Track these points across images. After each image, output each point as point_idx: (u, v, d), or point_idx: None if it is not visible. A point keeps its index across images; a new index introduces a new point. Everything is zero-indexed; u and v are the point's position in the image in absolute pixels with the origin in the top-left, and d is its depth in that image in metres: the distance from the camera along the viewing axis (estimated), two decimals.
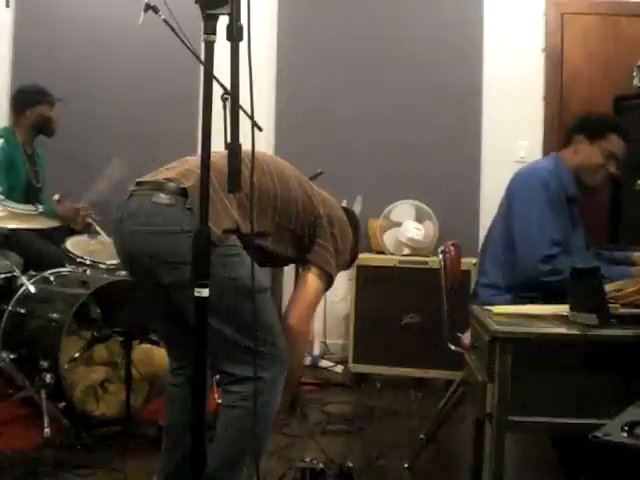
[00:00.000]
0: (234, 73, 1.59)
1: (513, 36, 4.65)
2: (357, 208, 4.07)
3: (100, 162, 4.05)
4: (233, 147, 1.59)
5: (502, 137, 4.62)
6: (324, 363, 4.60)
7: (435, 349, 3.43)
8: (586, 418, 1.82)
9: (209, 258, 1.61)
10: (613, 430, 1.34)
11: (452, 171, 4.70)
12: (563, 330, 1.94)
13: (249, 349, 1.94)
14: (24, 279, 3.22)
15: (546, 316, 2.10)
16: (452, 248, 3.06)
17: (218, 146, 1.68)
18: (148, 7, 2.68)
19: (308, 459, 2.40)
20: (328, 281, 2.20)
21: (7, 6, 4.80)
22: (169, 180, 2.02)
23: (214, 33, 1.60)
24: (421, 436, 2.95)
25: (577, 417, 1.86)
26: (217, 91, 1.71)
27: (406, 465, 2.84)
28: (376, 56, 4.85)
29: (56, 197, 4.06)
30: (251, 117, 1.80)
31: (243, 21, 1.61)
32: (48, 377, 2.92)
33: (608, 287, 2.07)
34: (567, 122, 4.40)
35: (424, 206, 4.51)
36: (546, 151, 4.52)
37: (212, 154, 1.64)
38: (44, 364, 2.95)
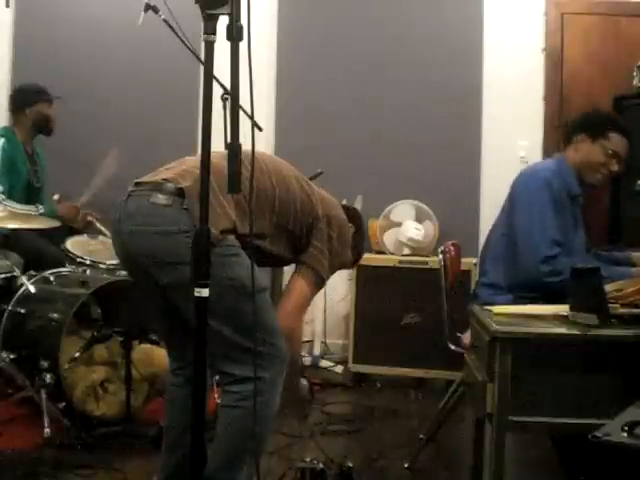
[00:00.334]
0: (234, 73, 1.59)
1: (513, 36, 4.64)
2: (357, 208, 4.06)
3: (98, 164, 4.04)
4: (233, 147, 1.60)
5: (502, 137, 4.62)
6: (324, 363, 4.60)
7: (435, 349, 3.45)
8: (586, 418, 1.82)
9: (209, 258, 1.61)
10: (613, 430, 1.34)
11: (452, 171, 4.70)
12: (563, 330, 1.94)
13: (248, 349, 1.94)
14: (24, 279, 3.22)
15: (546, 316, 2.10)
16: (452, 248, 3.06)
17: (218, 146, 1.68)
18: (148, 7, 2.68)
19: (308, 459, 2.40)
20: (318, 282, 2.19)
21: (7, 6, 4.81)
22: (167, 181, 2.02)
23: (214, 33, 1.60)
24: (421, 436, 2.95)
25: (577, 417, 1.86)
26: (217, 91, 1.71)
27: (406, 465, 2.84)
28: (376, 56, 4.85)
29: (56, 197, 4.07)
30: (251, 117, 1.80)
31: (243, 21, 1.61)
32: (48, 377, 2.92)
33: (608, 287, 2.07)
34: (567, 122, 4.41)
35: (424, 206, 4.50)
36: (546, 151, 4.52)
37: (211, 154, 1.64)
38: (44, 364, 2.95)
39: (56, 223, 3.40)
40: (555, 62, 4.64)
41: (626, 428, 1.33)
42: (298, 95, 4.91)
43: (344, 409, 3.77)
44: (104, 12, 4.98)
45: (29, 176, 3.90)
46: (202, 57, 1.76)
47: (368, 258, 4.30)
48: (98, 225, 3.86)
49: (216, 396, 2.92)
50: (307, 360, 4.56)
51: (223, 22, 1.60)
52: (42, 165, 4.06)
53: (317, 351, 4.64)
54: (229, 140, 1.60)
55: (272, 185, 2.12)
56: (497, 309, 2.16)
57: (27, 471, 2.58)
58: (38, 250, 3.62)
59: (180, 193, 1.98)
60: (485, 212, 4.49)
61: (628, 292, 2.07)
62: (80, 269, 3.43)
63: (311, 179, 2.41)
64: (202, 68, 1.77)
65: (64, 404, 2.98)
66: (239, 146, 1.61)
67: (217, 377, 2.61)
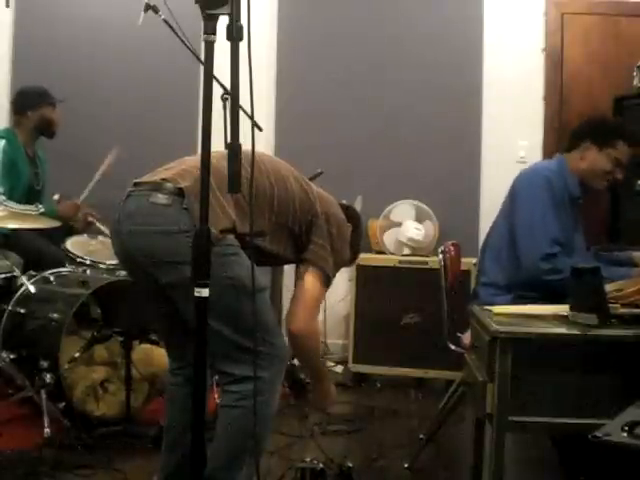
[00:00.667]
0: (234, 73, 1.59)
1: (513, 36, 4.65)
2: (357, 208, 4.05)
3: (100, 162, 4.04)
4: (233, 147, 1.60)
5: (502, 137, 4.62)
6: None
7: (435, 349, 3.43)
8: (586, 418, 1.82)
9: (209, 258, 1.61)
10: (613, 430, 1.33)
11: (452, 171, 4.70)
12: (563, 330, 1.94)
13: (248, 348, 1.94)
14: (24, 279, 3.22)
15: (546, 316, 2.10)
16: (452, 248, 3.06)
17: (218, 146, 1.68)
18: (148, 7, 2.68)
19: (308, 459, 2.40)
20: (326, 281, 2.20)
21: (7, 6, 4.79)
22: (166, 180, 2.02)
23: (214, 33, 1.60)
24: (421, 436, 2.95)
25: (577, 417, 1.86)
26: (217, 91, 1.70)
27: (406, 465, 2.84)
28: (376, 56, 4.85)
29: (56, 197, 4.05)
30: (251, 117, 1.80)
31: (243, 21, 1.61)
32: (48, 377, 2.92)
33: (608, 287, 2.06)
34: (567, 122, 4.42)
35: (424, 206, 4.51)
36: (546, 151, 4.52)
37: (211, 154, 1.64)
38: (44, 364, 2.95)
39: (56, 223, 3.39)
40: (555, 62, 4.64)
41: (626, 428, 1.33)
42: (298, 95, 4.91)
43: (344, 409, 3.76)
44: (104, 12, 4.98)
45: (30, 178, 3.88)
46: (202, 57, 1.76)
47: (368, 258, 4.31)
48: (98, 225, 3.85)
49: (216, 396, 2.92)
50: None
51: (223, 22, 1.60)
52: (43, 168, 4.05)
53: None
54: (229, 140, 1.60)
55: (271, 184, 2.12)
56: (497, 309, 2.16)
57: (27, 471, 2.58)
58: (38, 250, 3.62)
59: (180, 193, 1.98)
60: (485, 212, 4.49)
61: (628, 292, 2.07)
62: (80, 269, 3.43)
63: (311, 179, 2.42)
64: (202, 68, 1.77)
65: (64, 404, 2.98)
66: (239, 146, 1.61)
67: (217, 377, 2.60)
